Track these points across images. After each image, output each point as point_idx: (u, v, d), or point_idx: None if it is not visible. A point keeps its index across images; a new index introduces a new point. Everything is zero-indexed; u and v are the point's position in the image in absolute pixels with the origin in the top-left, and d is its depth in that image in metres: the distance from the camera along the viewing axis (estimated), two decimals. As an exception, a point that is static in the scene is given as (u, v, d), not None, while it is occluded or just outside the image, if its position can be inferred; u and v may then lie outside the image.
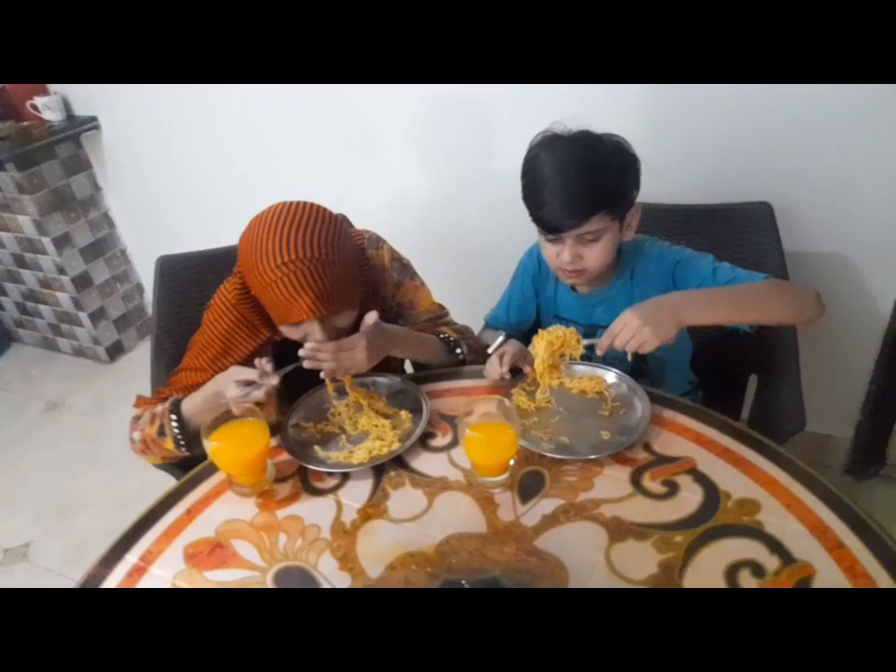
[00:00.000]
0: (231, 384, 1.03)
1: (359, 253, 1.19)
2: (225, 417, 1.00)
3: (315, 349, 1.04)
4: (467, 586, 0.84)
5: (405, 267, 1.27)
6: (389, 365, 1.22)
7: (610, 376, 1.11)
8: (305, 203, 1.03)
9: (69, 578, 1.78)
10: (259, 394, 1.01)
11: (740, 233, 1.34)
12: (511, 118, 1.69)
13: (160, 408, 1.12)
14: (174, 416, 1.09)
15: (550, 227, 1.07)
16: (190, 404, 1.10)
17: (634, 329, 0.97)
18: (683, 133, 1.52)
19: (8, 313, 2.80)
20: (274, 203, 1.05)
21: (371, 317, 1.05)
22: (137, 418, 1.15)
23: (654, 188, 1.56)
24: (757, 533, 0.85)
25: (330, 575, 0.88)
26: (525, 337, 1.15)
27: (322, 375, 1.08)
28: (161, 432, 1.09)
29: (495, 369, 1.10)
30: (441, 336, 1.23)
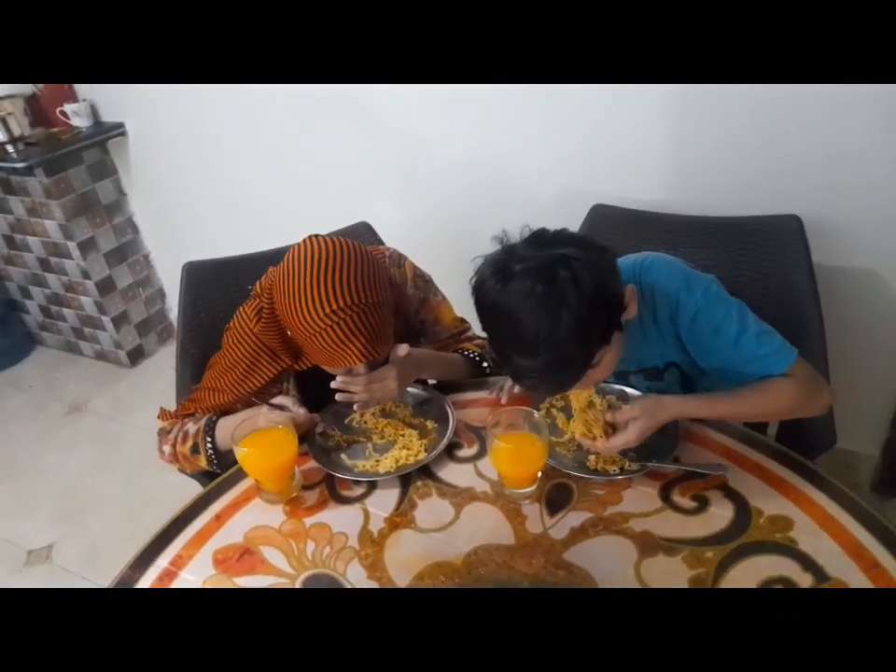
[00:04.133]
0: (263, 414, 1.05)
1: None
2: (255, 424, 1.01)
3: (347, 382, 1.04)
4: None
5: (427, 283, 1.26)
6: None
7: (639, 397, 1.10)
8: (340, 242, 1.01)
9: (90, 580, 1.79)
10: (282, 416, 1.04)
11: (767, 247, 1.33)
12: (530, 119, 1.68)
13: (191, 426, 1.14)
14: (209, 439, 1.11)
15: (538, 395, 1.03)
16: (224, 431, 1.11)
17: (631, 443, 0.94)
18: (706, 142, 1.51)
19: (33, 316, 2.83)
20: (296, 225, 1.03)
21: (403, 349, 1.05)
22: (167, 432, 1.17)
23: (674, 197, 1.56)
24: (790, 550, 0.84)
25: (358, 583, 0.88)
26: None
27: (355, 408, 1.09)
28: (195, 451, 1.12)
29: (499, 390, 1.13)
30: (466, 353, 1.24)
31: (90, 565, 1.84)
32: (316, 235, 1.03)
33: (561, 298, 0.79)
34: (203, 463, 1.12)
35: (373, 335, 0.98)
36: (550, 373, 0.85)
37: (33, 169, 2.21)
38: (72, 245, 2.41)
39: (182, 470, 1.20)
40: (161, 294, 2.78)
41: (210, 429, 1.12)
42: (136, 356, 2.72)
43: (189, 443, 1.12)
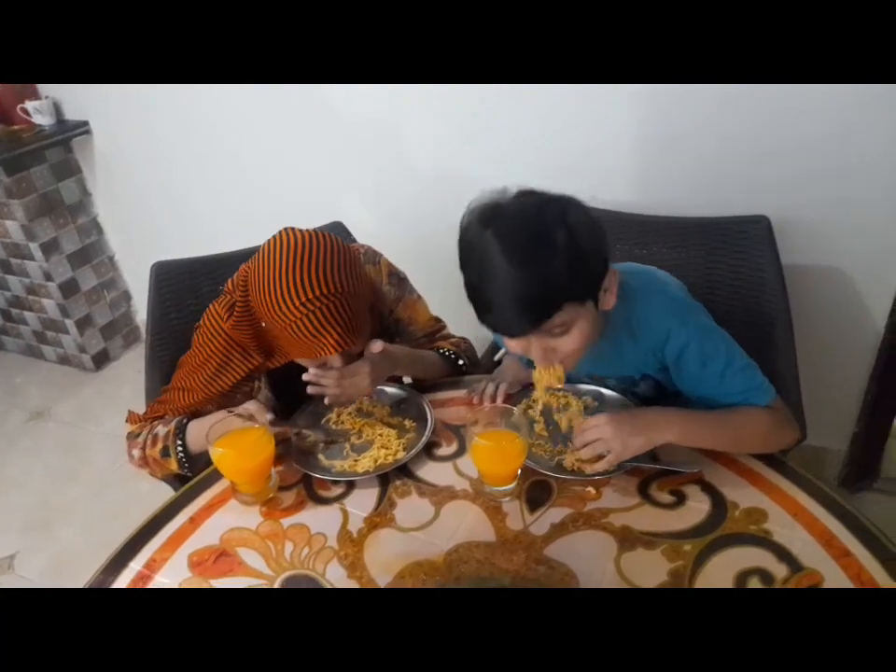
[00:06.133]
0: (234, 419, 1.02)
1: None
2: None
3: (318, 375, 1.03)
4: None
5: (402, 281, 1.26)
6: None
7: (614, 399, 1.11)
8: (316, 234, 1.00)
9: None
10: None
11: (737, 247, 1.36)
12: (500, 119, 1.68)
13: (161, 429, 1.11)
14: (179, 442, 1.09)
15: (502, 332, 0.91)
16: (195, 433, 1.08)
17: (602, 435, 0.93)
18: (678, 143, 1.53)
19: (-8, 320, 2.75)
20: (265, 225, 1.02)
21: (378, 346, 1.04)
22: (136, 436, 1.14)
23: (649, 199, 1.59)
24: (765, 542, 0.86)
25: (338, 583, 0.87)
26: None
27: (326, 402, 1.08)
28: (166, 454, 1.09)
29: (480, 395, 1.13)
30: (441, 352, 1.24)
31: (55, 575, 1.78)
32: (292, 228, 1.02)
33: (547, 226, 0.81)
34: (173, 466, 1.10)
35: (349, 325, 0.98)
36: (517, 302, 0.82)
37: (-7, 168, 2.14)
38: (34, 247, 2.34)
39: (152, 475, 1.17)
40: (126, 296, 2.71)
41: (181, 431, 1.09)
42: (101, 360, 2.65)
43: (159, 446, 1.10)
